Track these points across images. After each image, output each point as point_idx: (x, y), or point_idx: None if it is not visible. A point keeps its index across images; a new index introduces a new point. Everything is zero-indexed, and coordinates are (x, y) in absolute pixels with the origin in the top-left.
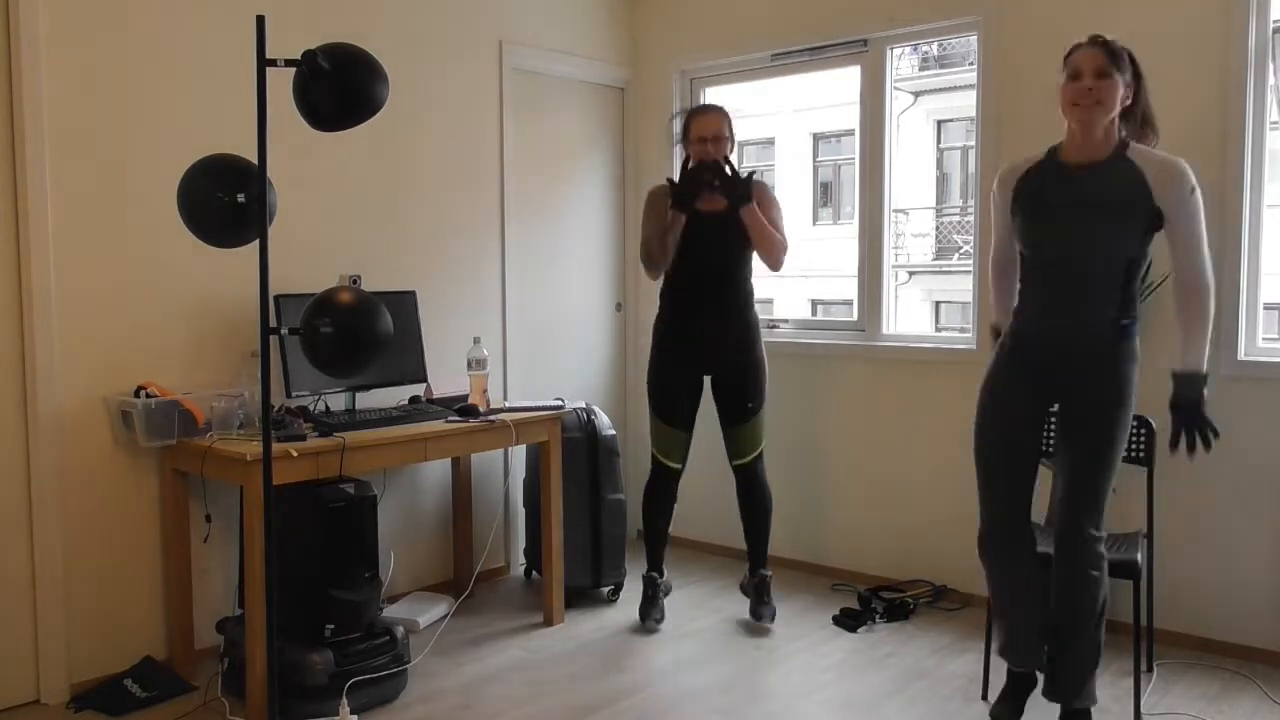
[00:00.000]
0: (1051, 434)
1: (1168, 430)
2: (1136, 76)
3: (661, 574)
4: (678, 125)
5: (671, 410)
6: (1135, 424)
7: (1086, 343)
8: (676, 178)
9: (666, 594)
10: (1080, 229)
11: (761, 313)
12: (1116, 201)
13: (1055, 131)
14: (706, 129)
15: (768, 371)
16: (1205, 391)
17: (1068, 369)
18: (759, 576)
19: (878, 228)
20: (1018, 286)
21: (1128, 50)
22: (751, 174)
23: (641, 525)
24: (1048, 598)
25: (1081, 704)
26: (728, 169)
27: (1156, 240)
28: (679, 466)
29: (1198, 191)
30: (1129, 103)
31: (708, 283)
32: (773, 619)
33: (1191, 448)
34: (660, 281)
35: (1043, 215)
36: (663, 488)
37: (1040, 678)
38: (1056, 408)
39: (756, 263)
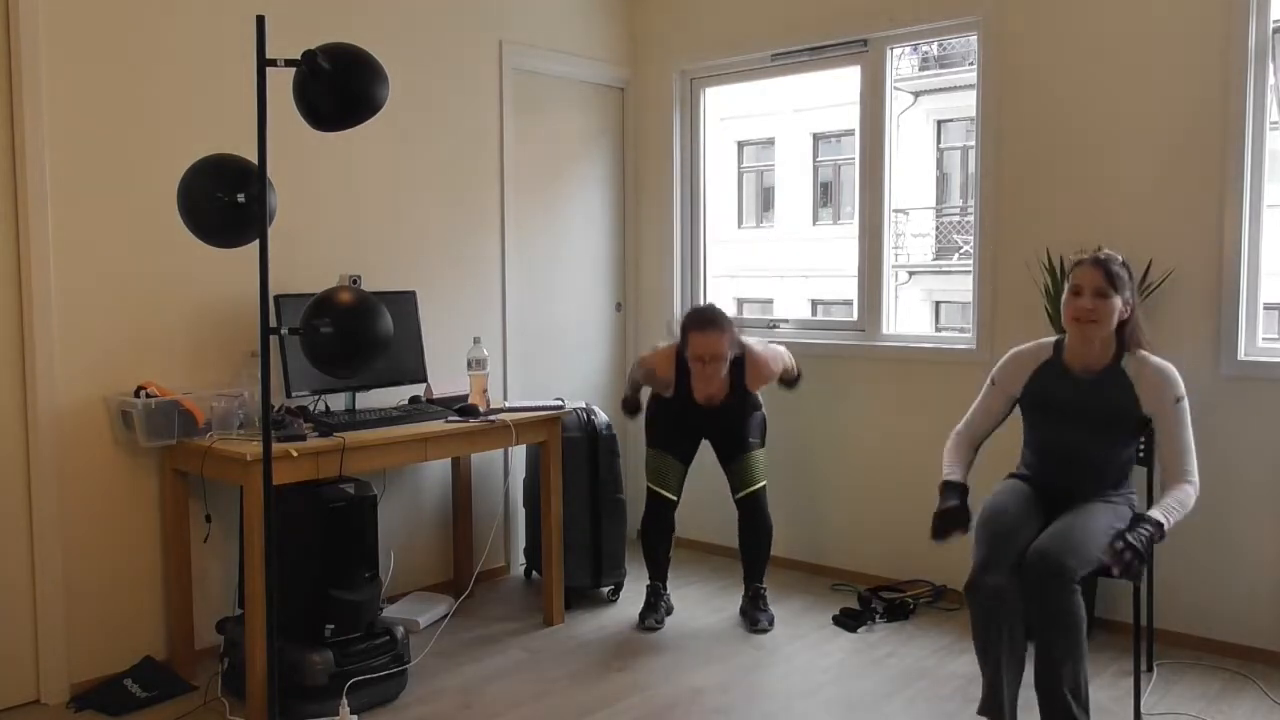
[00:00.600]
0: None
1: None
2: (1133, 289)
3: (665, 586)
4: (676, 328)
5: (669, 441)
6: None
7: (1086, 496)
8: (676, 360)
9: (669, 613)
10: (1079, 432)
11: (761, 313)
12: (1113, 411)
13: (1056, 131)
14: (705, 349)
15: (767, 422)
16: (1154, 542)
17: (1073, 498)
18: (754, 590)
19: (878, 228)
20: (971, 461)
21: (1125, 267)
22: (742, 361)
23: (642, 551)
24: (1022, 657)
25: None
26: (727, 382)
27: (1153, 232)
28: (675, 497)
29: (1184, 401)
30: (1126, 317)
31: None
32: (771, 625)
33: (1120, 571)
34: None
35: (1048, 416)
36: (661, 520)
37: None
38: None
39: None
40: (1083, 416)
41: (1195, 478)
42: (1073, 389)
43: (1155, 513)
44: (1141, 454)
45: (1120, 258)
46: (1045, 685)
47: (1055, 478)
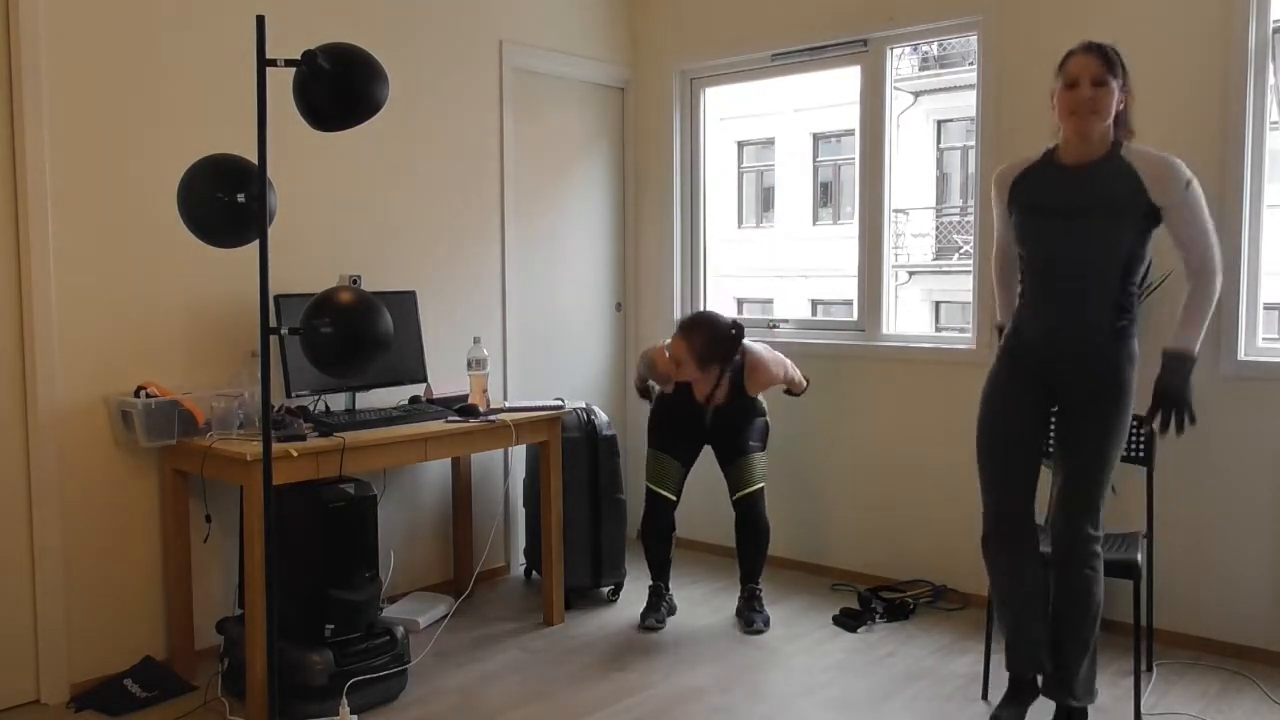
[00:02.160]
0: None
1: (1146, 411)
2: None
3: (667, 586)
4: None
5: (669, 441)
6: (1134, 423)
7: (1084, 343)
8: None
9: (671, 613)
10: (1076, 229)
11: (762, 313)
12: (1112, 201)
13: (1054, 131)
14: (675, 351)
15: (769, 423)
16: (1191, 376)
17: (1066, 369)
18: (749, 590)
19: (878, 228)
20: (1019, 287)
21: (1119, 54)
22: (740, 365)
23: (643, 551)
24: (1046, 600)
25: (1079, 702)
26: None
27: (1157, 238)
28: (674, 497)
29: (1194, 183)
30: (1123, 106)
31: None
32: (766, 626)
33: (1165, 429)
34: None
35: (1038, 215)
36: (660, 520)
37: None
38: (1056, 408)
39: None
40: (1083, 206)
41: (1217, 263)
42: (1070, 181)
43: (1183, 341)
44: (1142, 453)
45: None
46: (1058, 655)
47: (1054, 318)
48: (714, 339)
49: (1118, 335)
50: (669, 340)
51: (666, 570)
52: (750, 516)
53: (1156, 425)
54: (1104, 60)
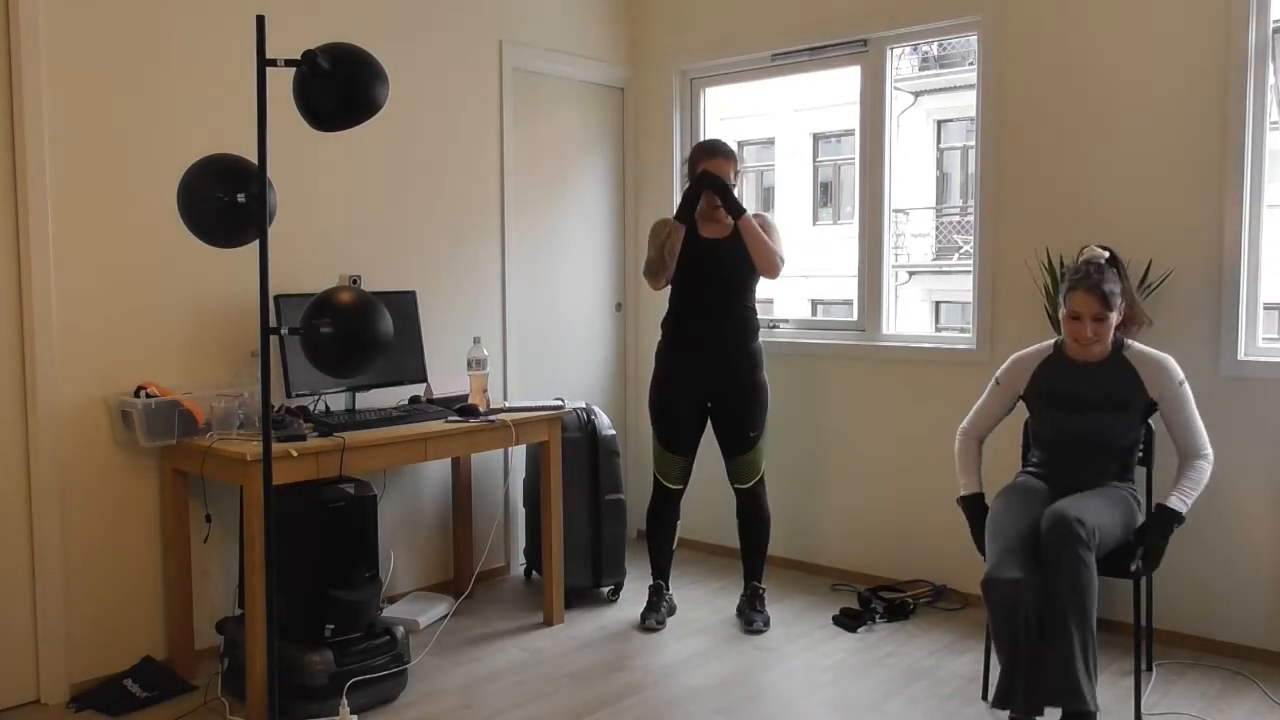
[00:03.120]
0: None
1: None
2: (1125, 284)
3: (668, 585)
4: (683, 159)
5: (673, 436)
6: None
7: (1094, 482)
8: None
9: (671, 613)
10: (1088, 416)
11: (761, 313)
12: (1118, 398)
13: (1056, 131)
14: (716, 173)
15: (769, 399)
16: (1172, 532)
17: (1080, 487)
18: (752, 588)
19: (878, 228)
20: (980, 456)
21: (1115, 263)
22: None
23: (645, 531)
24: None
25: (1074, 706)
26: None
27: (1153, 232)
28: (680, 487)
29: (1185, 384)
30: (1121, 319)
31: (711, 313)
32: (766, 626)
33: (1141, 568)
34: (664, 310)
35: (1056, 407)
36: (666, 507)
37: None
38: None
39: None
40: (1091, 400)
41: (1209, 450)
42: (1080, 377)
43: (1174, 501)
44: (1142, 453)
45: (1107, 258)
46: (1054, 650)
47: (1064, 469)
48: (736, 159)
49: (1122, 483)
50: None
51: (668, 568)
52: (752, 506)
53: (1134, 563)
54: (1101, 299)
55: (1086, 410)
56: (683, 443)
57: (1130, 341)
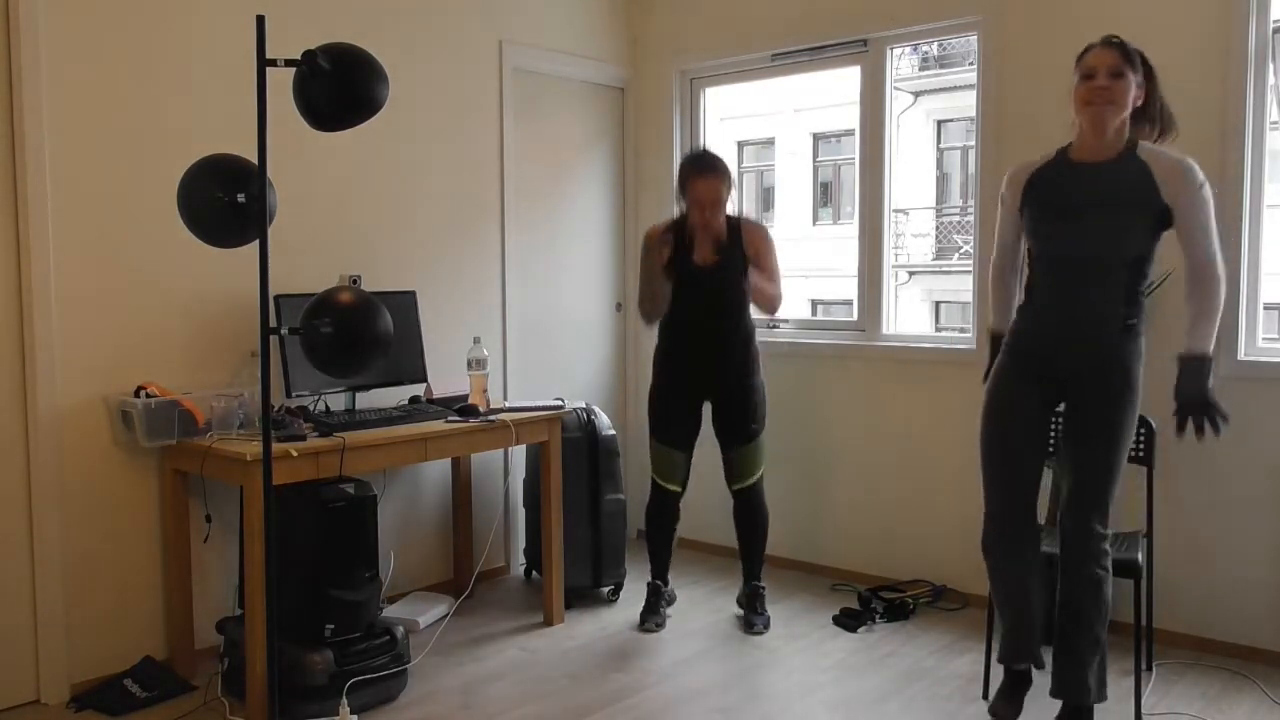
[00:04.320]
0: (1055, 432)
1: (1171, 420)
2: (1149, 77)
3: (666, 583)
4: (677, 174)
5: (671, 433)
6: (1140, 430)
7: (1094, 340)
8: (675, 220)
9: (670, 604)
10: (1090, 224)
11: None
12: (1126, 198)
13: (1055, 131)
14: (706, 194)
15: (767, 400)
16: (1210, 378)
17: (1074, 365)
18: (752, 588)
19: (878, 228)
20: (1018, 293)
21: (1140, 51)
22: (738, 223)
23: (644, 531)
24: (1048, 597)
25: (1089, 700)
26: (723, 225)
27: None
28: (679, 489)
29: (1207, 186)
30: (1140, 103)
31: (707, 322)
32: (766, 628)
33: (1200, 432)
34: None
35: (1053, 209)
36: (665, 509)
37: (1035, 676)
38: (1062, 407)
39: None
40: (1094, 202)
41: (1221, 266)
42: (1082, 177)
43: (1196, 344)
44: (1142, 453)
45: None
46: (1069, 654)
47: (1063, 308)
48: (730, 175)
49: (1127, 332)
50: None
51: (666, 565)
52: (750, 505)
53: (1189, 432)
54: (1122, 53)
55: (1087, 214)
56: (681, 438)
57: (1145, 142)
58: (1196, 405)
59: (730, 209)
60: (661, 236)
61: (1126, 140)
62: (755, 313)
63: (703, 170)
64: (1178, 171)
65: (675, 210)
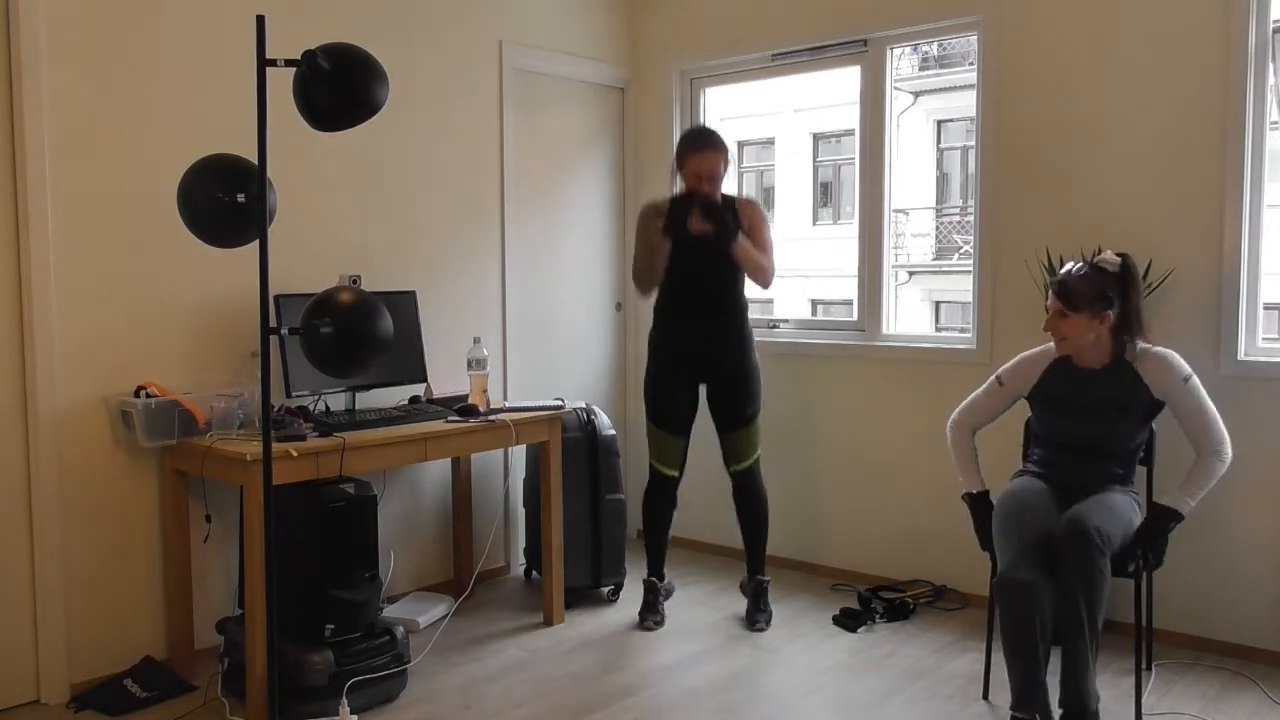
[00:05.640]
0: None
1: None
2: (1122, 293)
3: (662, 579)
4: (675, 150)
5: (668, 416)
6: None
7: (1096, 491)
8: (672, 197)
9: (667, 597)
10: (1092, 422)
11: (762, 313)
12: (1122, 401)
13: (1056, 131)
14: (703, 167)
15: (762, 380)
16: (1169, 533)
17: (1084, 489)
18: (756, 582)
19: (878, 228)
20: (975, 453)
21: (1112, 278)
22: (734, 200)
23: (642, 527)
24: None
25: (1081, 708)
26: (720, 200)
27: (1153, 232)
28: (676, 474)
29: (1193, 380)
30: (1112, 323)
31: (700, 298)
32: (768, 624)
33: (1142, 566)
34: (654, 294)
35: (1061, 410)
36: (662, 495)
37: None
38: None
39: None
40: (1095, 406)
41: (1226, 449)
42: (1083, 382)
43: (1176, 501)
44: (1143, 453)
45: (1115, 265)
46: (1066, 656)
47: (1067, 471)
48: (726, 149)
49: (1126, 487)
50: (681, 171)
51: (662, 559)
52: (749, 487)
53: (1133, 564)
54: (1062, 296)
55: (1089, 416)
56: (678, 422)
57: (1134, 345)
58: (1143, 546)
59: (727, 188)
60: (658, 206)
61: (1114, 348)
62: (749, 290)
63: (700, 146)
64: (1162, 370)
65: (673, 187)
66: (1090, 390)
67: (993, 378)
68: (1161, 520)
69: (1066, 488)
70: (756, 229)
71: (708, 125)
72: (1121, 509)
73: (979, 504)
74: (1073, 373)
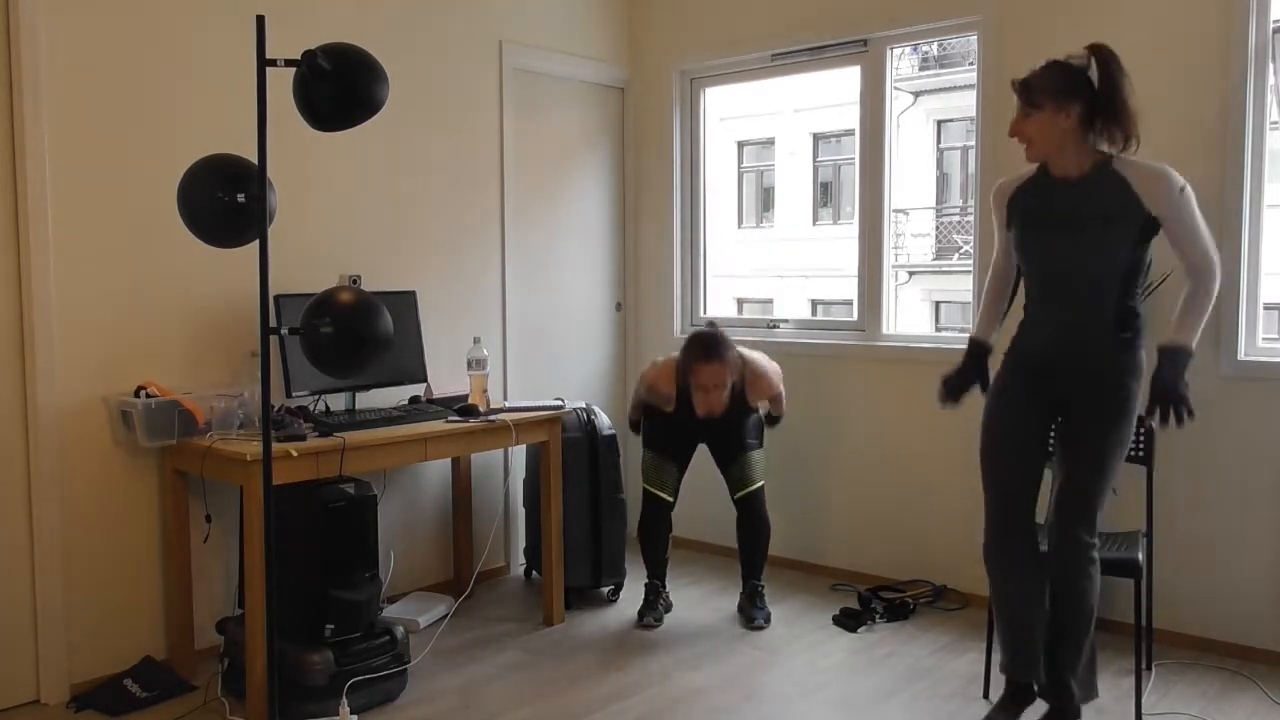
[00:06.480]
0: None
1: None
2: (1102, 84)
3: (664, 584)
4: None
5: (665, 442)
6: (1139, 430)
7: (1086, 354)
8: (674, 384)
9: (668, 610)
10: (1075, 240)
11: (762, 313)
12: (1108, 212)
13: None
14: (709, 379)
15: (764, 426)
16: (1186, 371)
17: (1069, 380)
18: (751, 586)
19: (878, 228)
20: (1007, 306)
21: (1071, 66)
22: (741, 388)
23: (638, 541)
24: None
25: (1073, 704)
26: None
27: (1156, 241)
28: (671, 499)
29: (1188, 189)
30: (1069, 122)
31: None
32: (767, 622)
33: (1165, 424)
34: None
35: (1036, 228)
36: (657, 521)
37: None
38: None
39: None
40: (1078, 217)
41: (1215, 260)
42: (1062, 194)
43: (1179, 337)
44: (1142, 453)
45: (1081, 59)
46: (1052, 656)
47: (1057, 327)
48: (732, 349)
49: (1121, 346)
50: (661, 360)
51: (663, 568)
52: (752, 515)
53: (1155, 421)
54: (1023, 92)
55: (1072, 230)
56: (675, 449)
57: (1120, 155)
58: (1169, 396)
59: (732, 377)
60: (664, 394)
61: (1095, 155)
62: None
63: (707, 357)
64: (1156, 180)
65: (675, 380)
66: (1072, 202)
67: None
68: (1179, 362)
69: (1058, 381)
70: (766, 396)
71: (713, 329)
72: (1118, 438)
73: (969, 347)
74: (1051, 185)
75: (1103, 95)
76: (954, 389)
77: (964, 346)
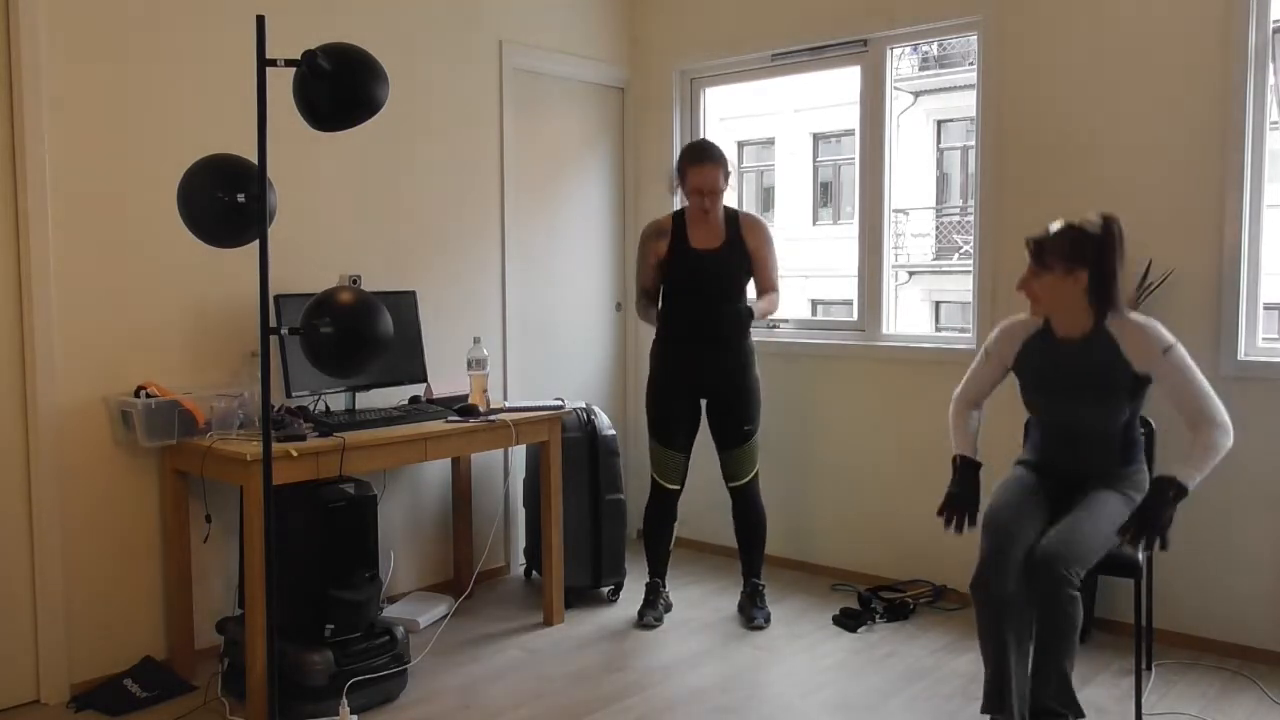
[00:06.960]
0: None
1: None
2: (1100, 255)
3: (664, 583)
4: (674, 166)
5: (670, 434)
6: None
7: (1091, 475)
8: (674, 214)
9: (668, 610)
10: (1077, 403)
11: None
12: (1102, 376)
13: (1056, 131)
14: (704, 182)
15: (762, 397)
16: (1174, 507)
17: (1081, 481)
18: (752, 585)
19: (878, 228)
20: (976, 424)
21: (1085, 231)
22: (737, 215)
23: (641, 528)
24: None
25: (1050, 706)
26: (724, 218)
27: (1153, 232)
28: (678, 488)
29: (1175, 349)
30: (1085, 285)
31: (704, 312)
32: (767, 622)
33: (1135, 545)
34: (660, 309)
35: (1043, 388)
36: (663, 508)
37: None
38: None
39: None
40: (1075, 381)
41: (1222, 417)
42: (1062, 355)
43: (1177, 470)
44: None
45: (1096, 227)
46: (1035, 677)
47: (1061, 456)
48: (727, 162)
49: (1127, 466)
50: (679, 186)
51: (664, 565)
52: (746, 503)
53: (1125, 541)
54: (1035, 253)
55: (1072, 393)
56: (679, 439)
57: (1114, 314)
58: (1146, 525)
59: (729, 201)
60: (661, 226)
61: (1094, 315)
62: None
63: (700, 159)
64: (1143, 342)
65: (674, 202)
66: (1071, 364)
67: (981, 351)
68: (1163, 492)
69: (1061, 476)
70: (761, 251)
71: (707, 138)
72: (1110, 515)
73: (956, 466)
74: (1053, 345)
75: (1107, 268)
76: (966, 502)
77: (966, 347)
